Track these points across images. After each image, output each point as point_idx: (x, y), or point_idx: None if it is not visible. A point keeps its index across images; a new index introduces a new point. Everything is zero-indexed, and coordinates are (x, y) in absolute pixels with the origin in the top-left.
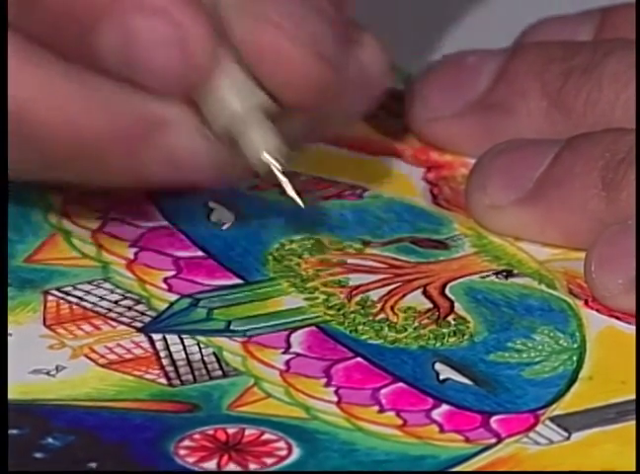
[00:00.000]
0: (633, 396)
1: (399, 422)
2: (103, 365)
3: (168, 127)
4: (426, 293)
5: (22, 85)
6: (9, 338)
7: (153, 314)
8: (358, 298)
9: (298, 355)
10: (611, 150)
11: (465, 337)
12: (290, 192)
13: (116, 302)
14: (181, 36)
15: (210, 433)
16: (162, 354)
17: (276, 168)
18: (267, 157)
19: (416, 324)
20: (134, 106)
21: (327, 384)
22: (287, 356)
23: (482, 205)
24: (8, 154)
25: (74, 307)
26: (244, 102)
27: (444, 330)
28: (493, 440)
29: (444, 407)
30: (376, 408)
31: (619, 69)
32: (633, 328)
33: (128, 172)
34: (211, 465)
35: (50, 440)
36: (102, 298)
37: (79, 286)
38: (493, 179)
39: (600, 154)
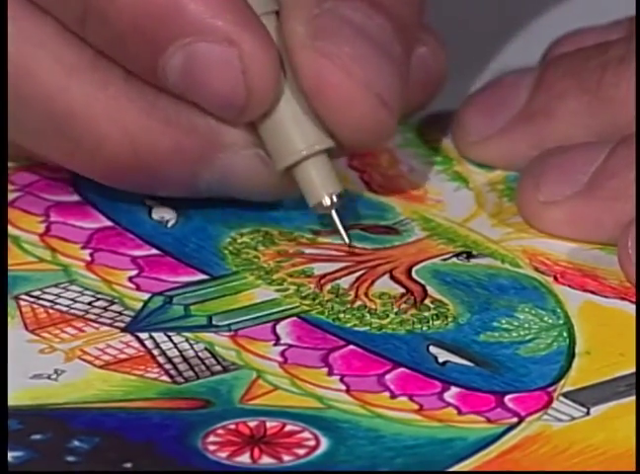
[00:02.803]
0: (635, 369)
1: (415, 406)
2: (101, 367)
3: (228, 151)
4: (394, 278)
5: (86, 97)
6: None
7: (131, 313)
8: (328, 287)
9: (291, 345)
10: None
11: (449, 319)
12: (343, 234)
13: (89, 304)
14: (243, 64)
15: (232, 427)
16: (155, 352)
17: (334, 212)
18: (327, 202)
19: (395, 309)
20: (198, 128)
21: (329, 373)
22: (280, 348)
23: (535, 202)
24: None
25: (50, 311)
26: (307, 143)
27: (426, 313)
28: (514, 420)
29: (454, 389)
30: (387, 394)
31: None
32: (612, 301)
33: (183, 186)
34: (245, 459)
35: (77, 443)
36: (74, 301)
37: (47, 290)
38: (546, 176)
39: None
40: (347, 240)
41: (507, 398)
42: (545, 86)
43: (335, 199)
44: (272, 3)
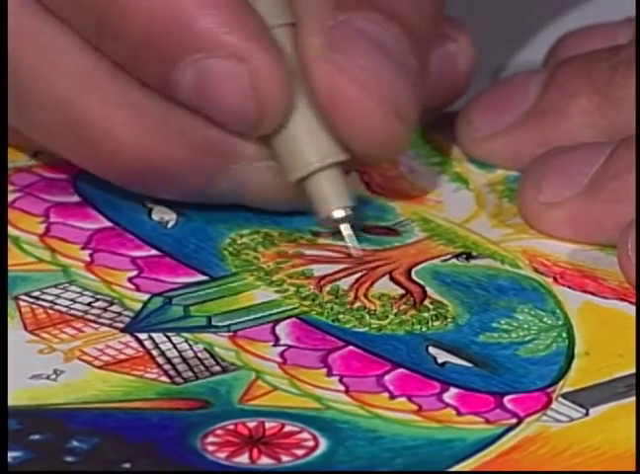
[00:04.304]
0: (634, 369)
1: (414, 407)
2: (100, 367)
3: (242, 162)
4: (393, 279)
5: (103, 105)
6: None
7: (130, 314)
8: (328, 288)
9: (290, 346)
10: None
11: (448, 320)
12: (352, 244)
13: (89, 304)
14: (253, 80)
15: (231, 427)
16: (154, 352)
17: (342, 227)
18: (337, 217)
19: (395, 310)
20: (212, 139)
21: (328, 374)
22: (280, 349)
23: (536, 203)
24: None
25: (50, 311)
26: (320, 156)
27: (425, 314)
28: (513, 421)
29: (453, 390)
30: (386, 395)
31: None
32: (611, 302)
33: (198, 193)
34: (244, 459)
35: (76, 444)
36: (74, 301)
37: (47, 291)
38: (547, 177)
39: None
40: (355, 255)
41: (506, 399)
42: (556, 85)
43: (345, 213)
44: (287, 15)
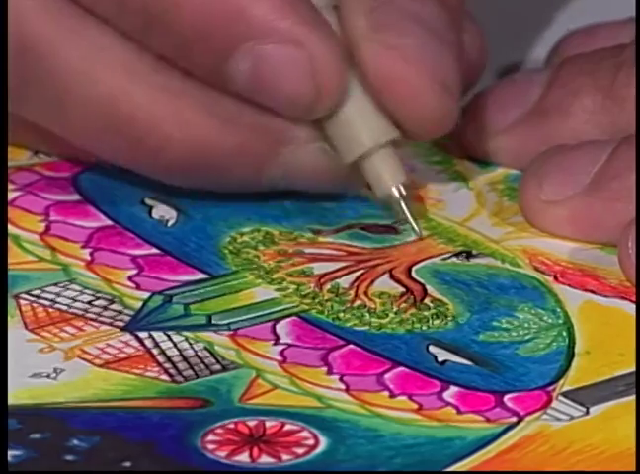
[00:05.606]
0: (634, 368)
1: (414, 406)
2: (100, 366)
3: (292, 146)
4: (393, 278)
5: (148, 99)
6: None
7: (130, 312)
8: (328, 286)
9: (290, 345)
10: None
11: (449, 318)
12: (412, 223)
13: (89, 303)
14: (312, 64)
15: (232, 426)
16: (154, 351)
17: (403, 202)
18: (395, 193)
19: (395, 309)
20: (262, 125)
21: (329, 372)
22: (280, 347)
23: (537, 201)
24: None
25: (50, 310)
26: (373, 135)
27: (426, 313)
28: (513, 419)
29: (454, 389)
30: (387, 393)
31: None
32: (612, 301)
33: (247, 182)
34: (244, 458)
35: (76, 442)
36: (74, 300)
37: (47, 289)
38: (549, 175)
39: None
40: (417, 231)
41: (506, 397)
42: (559, 83)
43: (403, 190)
44: None
